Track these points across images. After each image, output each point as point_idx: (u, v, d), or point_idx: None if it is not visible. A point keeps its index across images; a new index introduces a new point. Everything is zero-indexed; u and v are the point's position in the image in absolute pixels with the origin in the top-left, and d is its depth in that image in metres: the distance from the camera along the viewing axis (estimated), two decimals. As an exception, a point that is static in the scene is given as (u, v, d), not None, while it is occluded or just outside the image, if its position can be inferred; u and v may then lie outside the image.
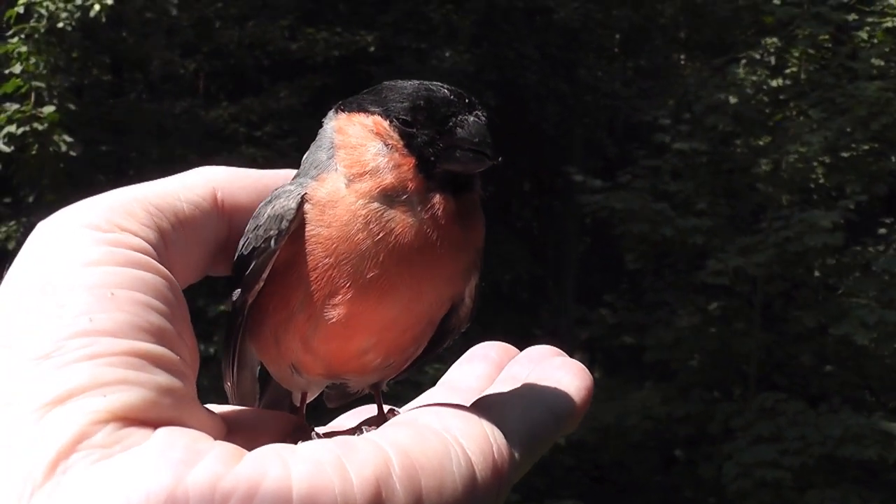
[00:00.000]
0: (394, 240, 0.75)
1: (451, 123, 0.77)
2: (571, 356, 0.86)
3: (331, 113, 0.84)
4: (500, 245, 12.79)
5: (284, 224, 0.76)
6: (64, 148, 7.46)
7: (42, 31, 7.33)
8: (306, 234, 0.77)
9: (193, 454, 0.58)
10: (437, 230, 0.76)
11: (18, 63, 7.40)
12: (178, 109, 10.09)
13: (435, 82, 0.80)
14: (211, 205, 0.78)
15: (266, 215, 0.77)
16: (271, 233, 0.76)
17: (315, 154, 0.82)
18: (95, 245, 0.66)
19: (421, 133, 0.77)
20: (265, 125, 10.18)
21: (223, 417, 0.72)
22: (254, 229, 0.78)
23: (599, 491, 10.69)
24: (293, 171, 0.84)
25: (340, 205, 0.76)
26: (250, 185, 0.81)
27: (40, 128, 7.41)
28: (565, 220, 13.89)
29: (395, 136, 0.77)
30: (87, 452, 0.57)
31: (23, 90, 7.58)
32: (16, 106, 7.52)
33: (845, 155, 8.80)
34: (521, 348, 0.90)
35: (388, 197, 0.76)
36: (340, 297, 0.76)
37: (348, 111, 0.81)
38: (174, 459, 0.57)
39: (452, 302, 0.83)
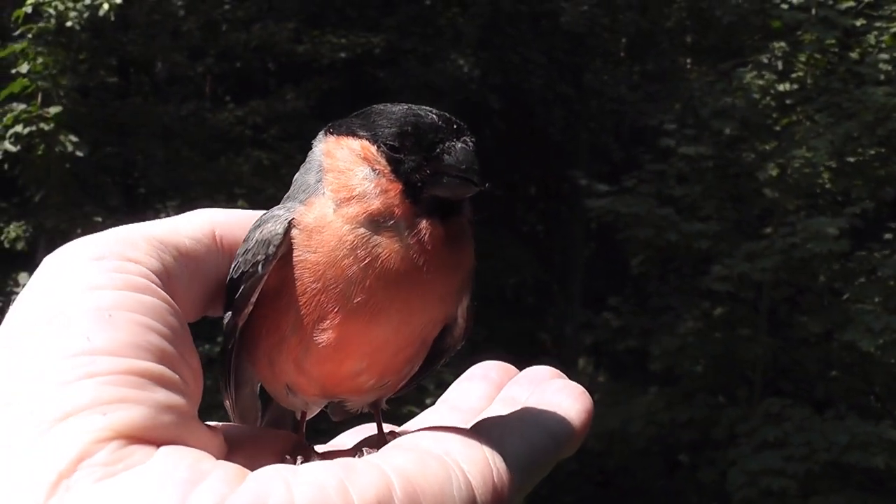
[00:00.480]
0: (380, 265, 0.75)
1: (438, 150, 0.78)
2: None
3: (320, 135, 0.84)
4: (506, 249, 12.79)
5: (272, 249, 0.77)
6: (70, 148, 7.48)
7: (52, 30, 7.35)
8: (294, 259, 0.77)
9: (197, 474, 0.59)
10: (424, 255, 0.76)
11: (25, 63, 7.42)
12: (184, 111, 10.11)
13: (424, 107, 0.80)
14: (211, 241, 0.79)
15: (254, 240, 0.78)
16: (259, 258, 0.77)
17: (304, 177, 0.82)
18: (98, 272, 0.68)
19: (408, 159, 0.77)
20: (271, 128, 10.20)
21: (224, 435, 0.72)
22: (243, 253, 0.79)
23: (604, 496, 10.68)
24: None
25: (327, 230, 0.77)
26: (248, 224, 0.82)
27: (46, 128, 7.42)
28: (571, 225, 13.89)
29: (383, 161, 0.78)
30: (91, 471, 0.57)
31: (29, 90, 7.59)
32: (23, 106, 7.54)
33: (851, 160, 8.77)
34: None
35: (375, 222, 0.76)
36: (330, 321, 0.77)
37: (337, 134, 0.81)
38: (178, 480, 0.58)
39: (446, 322, 0.84)
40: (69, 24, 7.33)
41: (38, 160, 7.56)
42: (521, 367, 0.91)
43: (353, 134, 0.80)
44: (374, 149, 0.78)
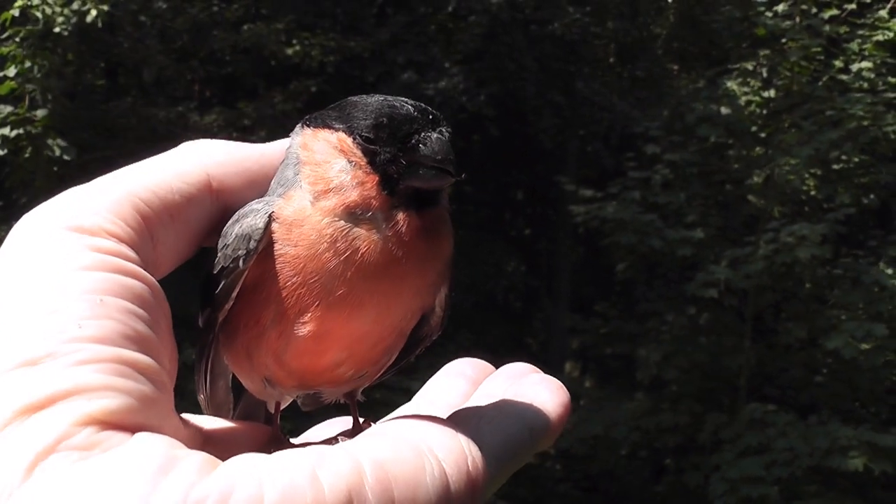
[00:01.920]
0: (360, 257, 0.76)
1: (413, 140, 0.77)
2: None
3: (297, 128, 0.83)
4: (494, 254, 12.81)
5: (252, 244, 0.77)
6: (58, 152, 7.44)
7: (39, 33, 7.31)
8: (274, 252, 0.77)
9: (169, 461, 0.59)
10: (402, 246, 0.76)
11: (13, 66, 7.39)
12: (172, 114, 10.08)
13: (400, 98, 0.80)
14: (204, 194, 0.78)
15: (234, 234, 0.78)
16: (239, 252, 0.77)
17: (283, 171, 0.81)
18: (83, 250, 0.66)
19: (384, 150, 0.77)
20: (260, 130, 10.18)
21: (198, 428, 0.73)
22: (222, 248, 0.78)
23: (589, 500, 10.70)
24: (286, 142, 0.84)
25: (307, 223, 0.77)
26: (245, 167, 0.80)
27: (34, 131, 7.39)
28: (559, 230, 13.91)
29: (359, 153, 0.78)
30: (67, 454, 0.58)
31: (17, 93, 7.56)
32: (10, 108, 7.51)
33: (836, 167, 8.84)
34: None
35: (353, 214, 0.76)
36: (310, 314, 0.77)
37: (313, 127, 0.81)
38: (151, 465, 0.58)
39: (423, 312, 0.84)
40: (56, 29, 7.30)
41: (26, 163, 7.52)
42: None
43: (329, 126, 0.80)
44: (349, 140, 0.78)
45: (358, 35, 11.18)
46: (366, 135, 0.78)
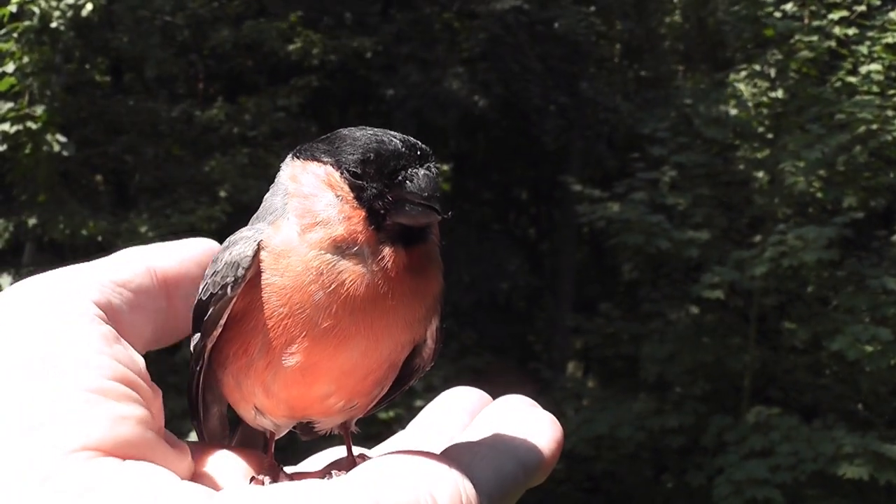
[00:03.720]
0: (345, 291, 0.76)
1: (400, 177, 0.78)
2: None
3: (287, 159, 0.84)
4: (497, 254, 12.79)
5: (241, 272, 0.77)
6: (57, 148, 7.43)
7: (36, 27, 7.30)
8: (262, 282, 0.78)
9: (161, 493, 0.59)
10: (388, 282, 0.76)
11: (12, 62, 7.37)
12: (173, 110, 10.06)
13: (389, 132, 0.80)
14: (149, 279, 0.80)
15: (223, 262, 0.79)
16: (228, 280, 0.78)
17: (271, 199, 0.82)
18: (69, 310, 0.70)
19: (370, 185, 0.78)
20: (261, 125, 10.16)
21: (192, 455, 0.74)
22: (211, 275, 0.80)
23: (592, 501, 10.67)
24: (211, 242, 0.86)
25: (293, 254, 0.77)
26: (177, 253, 0.84)
27: (34, 127, 7.38)
28: (563, 230, 13.89)
29: (346, 188, 0.78)
30: (60, 483, 0.58)
31: (16, 89, 7.54)
32: (10, 104, 7.50)
33: (842, 169, 8.78)
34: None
35: (340, 248, 0.77)
36: (297, 345, 0.77)
37: (303, 159, 0.82)
38: (142, 498, 0.59)
39: (414, 344, 0.84)
40: (53, 24, 7.29)
41: (25, 159, 7.52)
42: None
43: (318, 159, 0.80)
44: (337, 175, 0.79)
45: (362, 33, 11.15)
46: (353, 169, 0.78)
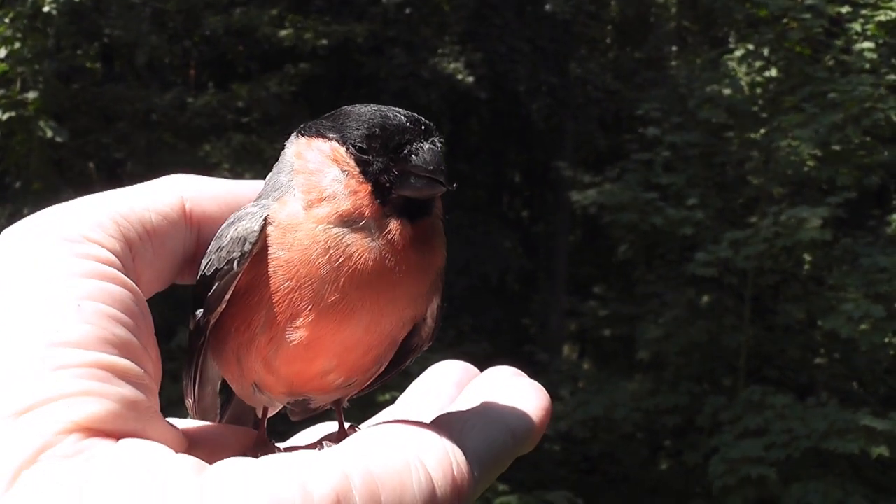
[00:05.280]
0: (353, 265, 0.76)
1: (405, 151, 0.78)
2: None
3: (292, 136, 0.85)
4: (491, 236, 12.79)
5: (247, 247, 0.77)
6: (49, 134, 7.40)
7: (26, 14, 7.25)
8: (268, 256, 0.78)
9: (156, 467, 0.59)
10: (395, 255, 0.77)
11: (3, 48, 7.32)
12: (166, 97, 10.01)
13: (393, 108, 0.81)
14: (179, 215, 0.79)
15: (229, 237, 0.78)
16: (234, 255, 0.77)
17: (276, 177, 0.82)
18: (65, 257, 0.67)
19: (376, 160, 0.78)
20: (253, 112, 10.12)
21: (184, 432, 0.73)
22: (216, 250, 0.79)
23: (589, 482, 10.72)
24: (261, 182, 0.85)
25: (300, 229, 0.78)
26: (219, 195, 0.82)
27: (26, 114, 7.34)
28: (556, 212, 13.90)
29: (352, 162, 0.79)
30: (51, 463, 0.58)
31: (9, 75, 7.50)
32: (2, 91, 7.45)
33: (837, 148, 8.79)
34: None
35: (346, 222, 0.77)
36: (302, 320, 0.77)
37: (307, 136, 0.82)
38: (137, 474, 0.58)
39: (414, 322, 0.84)
40: (46, 9, 7.24)
41: (18, 146, 7.48)
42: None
43: (323, 136, 0.81)
44: (342, 150, 0.79)
45: (351, 17, 11.09)
46: (359, 144, 0.79)
